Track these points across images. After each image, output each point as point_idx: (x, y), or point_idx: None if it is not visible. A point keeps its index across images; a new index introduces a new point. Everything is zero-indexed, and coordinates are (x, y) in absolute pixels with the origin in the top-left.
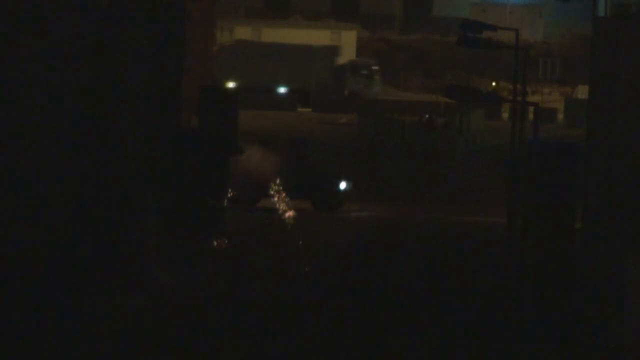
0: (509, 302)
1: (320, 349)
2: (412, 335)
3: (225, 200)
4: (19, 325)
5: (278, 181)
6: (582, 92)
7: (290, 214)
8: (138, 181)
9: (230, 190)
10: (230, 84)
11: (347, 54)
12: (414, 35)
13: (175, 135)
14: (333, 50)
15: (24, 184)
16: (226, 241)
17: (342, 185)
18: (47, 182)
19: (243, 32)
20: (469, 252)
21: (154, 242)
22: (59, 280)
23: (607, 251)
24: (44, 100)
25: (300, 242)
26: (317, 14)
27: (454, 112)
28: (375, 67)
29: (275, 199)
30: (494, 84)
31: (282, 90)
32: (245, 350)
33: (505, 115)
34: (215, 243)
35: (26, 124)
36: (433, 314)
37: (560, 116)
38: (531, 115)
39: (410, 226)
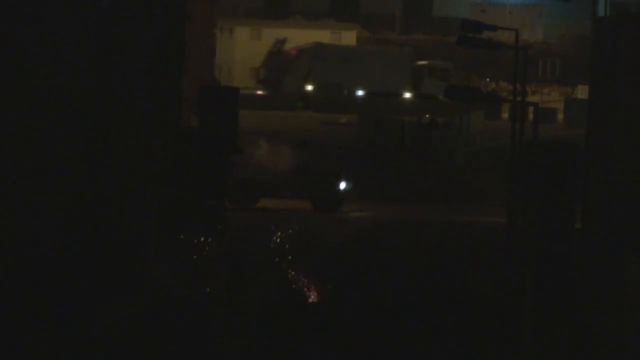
0: (509, 302)
1: (319, 349)
2: (412, 336)
3: (225, 200)
4: (19, 326)
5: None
6: (582, 92)
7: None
8: (138, 181)
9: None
10: (309, 87)
11: None
12: (414, 35)
13: (175, 135)
14: (411, 53)
15: (23, 183)
16: (226, 241)
17: (342, 185)
18: (46, 182)
19: (243, 32)
20: (468, 252)
21: (154, 242)
22: (58, 280)
23: (607, 251)
24: (43, 101)
25: (300, 243)
26: (317, 14)
27: (453, 112)
28: (451, 70)
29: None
30: (493, 84)
31: (360, 93)
32: (245, 350)
33: (505, 115)
34: (215, 243)
35: (25, 123)
36: (433, 313)
37: (560, 116)
38: (531, 115)
39: (410, 226)
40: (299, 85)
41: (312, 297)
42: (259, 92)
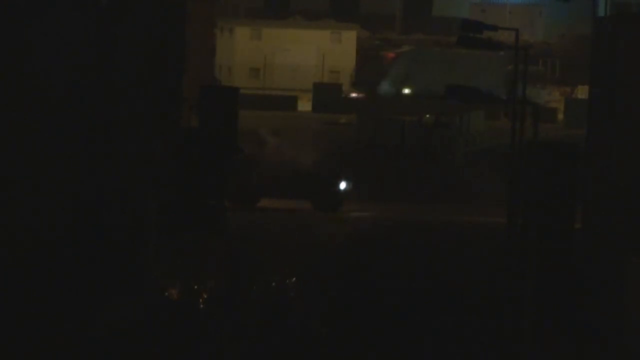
0: (509, 302)
1: (319, 349)
2: (411, 335)
3: (225, 200)
4: (19, 326)
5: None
6: (582, 92)
7: None
8: (138, 181)
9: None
10: (406, 91)
11: (348, 54)
12: (414, 35)
13: (175, 135)
14: (507, 58)
15: (23, 183)
16: (226, 241)
17: (342, 185)
18: (46, 182)
19: (243, 32)
20: (468, 252)
21: (154, 242)
22: (58, 280)
23: (607, 251)
24: (43, 100)
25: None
26: (317, 14)
27: (453, 112)
28: (544, 74)
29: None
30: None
31: None
32: (244, 350)
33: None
34: (215, 243)
35: (25, 123)
36: (433, 313)
37: (560, 116)
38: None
39: (410, 226)
40: (396, 89)
41: (311, 298)
42: (354, 95)
